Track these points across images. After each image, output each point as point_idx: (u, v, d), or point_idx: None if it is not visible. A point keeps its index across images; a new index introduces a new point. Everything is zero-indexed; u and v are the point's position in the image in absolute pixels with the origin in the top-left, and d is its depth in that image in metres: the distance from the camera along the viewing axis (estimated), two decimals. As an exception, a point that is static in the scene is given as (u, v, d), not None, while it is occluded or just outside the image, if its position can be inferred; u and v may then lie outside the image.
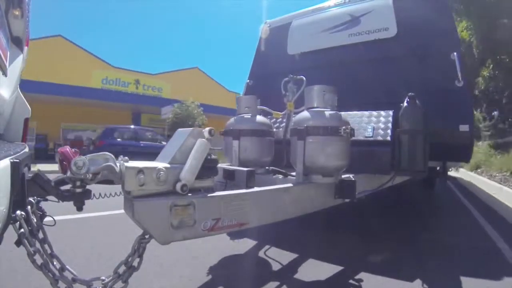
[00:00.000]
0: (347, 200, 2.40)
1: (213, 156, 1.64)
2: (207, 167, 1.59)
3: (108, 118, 21.80)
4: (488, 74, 12.78)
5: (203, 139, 1.58)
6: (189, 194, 1.52)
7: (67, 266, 1.33)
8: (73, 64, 20.49)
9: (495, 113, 14.11)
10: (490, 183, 6.60)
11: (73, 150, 1.30)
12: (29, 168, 1.53)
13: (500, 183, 6.18)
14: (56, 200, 1.35)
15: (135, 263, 1.43)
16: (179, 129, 1.72)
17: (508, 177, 6.59)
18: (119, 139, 12.29)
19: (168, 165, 1.50)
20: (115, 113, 21.83)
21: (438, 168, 4.08)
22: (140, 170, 1.38)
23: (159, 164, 1.49)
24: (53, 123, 17.55)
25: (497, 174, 7.30)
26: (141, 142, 12.67)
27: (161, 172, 1.44)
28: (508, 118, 13.08)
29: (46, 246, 1.28)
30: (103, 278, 1.38)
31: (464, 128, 3.23)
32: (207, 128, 1.62)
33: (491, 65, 12.53)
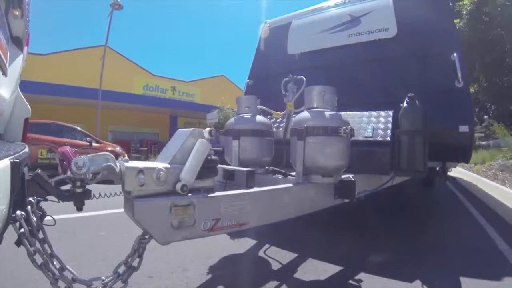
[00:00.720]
0: (346, 200, 2.41)
1: (213, 157, 1.64)
2: (207, 167, 1.59)
3: (149, 121, 23.87)
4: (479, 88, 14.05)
5: (203, 140, 1.58)
6: (189, 194, 1.52)
7: (67, 266, 1.33)
8: (118, 72, 22.03)
9: (486, 117, 14.92)
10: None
11: (73, 150, 1.30)
12: (29, 168, 1.53)
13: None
14: (56, 200, 1.35)
15: (135, 263, 1.43)
16: (179, 129, 1.72)
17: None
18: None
19: (168, 165, 1.50)
20: (155, 116, 23.61)
21: (437, 168, 4.09)
22: (140, 170, 1.39)
23: (159, 164, 1.49)
24: (101, 126, 18.14)
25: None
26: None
27: (161, 172, 1.44)
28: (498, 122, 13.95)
29: (46, 246, 1.28)
30: (103, 278, 1.38)
31: (463, 128, 3.23)
32: (207, 129, 1.63)
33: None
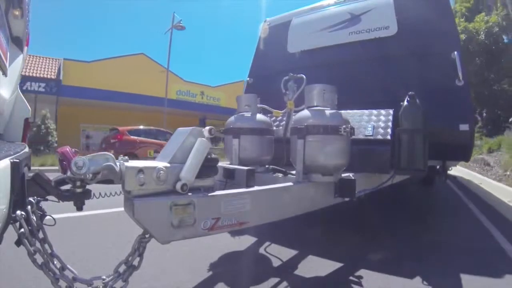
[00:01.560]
0: (347, 199, 2.41)
1: (213, 155, 1.64)
2: (207, 166, 1.59)
3: (181, 124, 24.23)
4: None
5: (203, 139, 1.58)
6: (189, 194, 1.52)
7: (68, 265, 1.33)
8: (153, 78, 23.18)
9: (478, 118, 17.34)
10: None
11: (73, 150, 1.30)
12: (29, 168, 1.53)
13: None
14: (56, 200, 1.35)
15: (135, 262, 1.44)
16: (179, 128, 1.72)
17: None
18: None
19: (168, 165, 1.50)
20: (187, 119, 24.76)
21: (438, 167, 4.09)
22: (140, 170, 1.39)
23: (159, 163, 1.49)
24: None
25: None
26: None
27: (161, 172, 1.44)
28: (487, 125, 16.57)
29: (46, 245, 1.29)
30: (104, 277, 1.38)
31: (464, 127, 3.22)
32: (207, 127, 1.63)
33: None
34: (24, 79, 16.20)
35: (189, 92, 26.37)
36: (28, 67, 18.48)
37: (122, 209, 1.50)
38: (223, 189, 1.95)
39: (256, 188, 1.96)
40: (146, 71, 23.18)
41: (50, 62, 20.49)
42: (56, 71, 19.64)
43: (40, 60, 20.22)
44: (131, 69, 22.20)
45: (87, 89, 18.37)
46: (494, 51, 16.43)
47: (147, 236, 1.44)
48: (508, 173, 6.89)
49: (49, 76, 18.81)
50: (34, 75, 18.19)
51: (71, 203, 1.36)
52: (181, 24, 20.33)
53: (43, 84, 17.45)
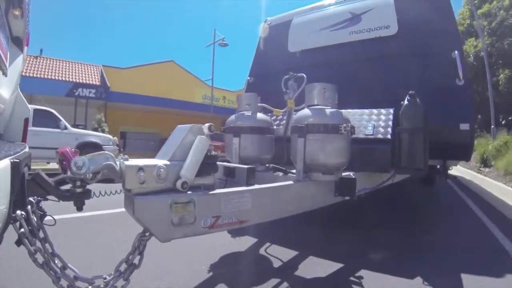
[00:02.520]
0: (347, 198, 2.41)
1: (213, 153, 1.64)
2: (207, 164, 1.59)
3: None
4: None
5: (203, 136, 1.58)
6: (189, 192, 1.53)
7: (69, 264, 1.34)
8: (182, 83, 25.18)
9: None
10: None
11: (73, 150, 1.30)
12: (29, 168, 1.53)
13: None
14: (56, 199, 1.35)
15: (136, 261, 1.43)
16: (179, 126, 1.71)
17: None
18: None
19: (168, 162, 1.50)
20: (211, 121, 25.68)
21: (438, 166, 4.08)
22: (140, 168, 1.39)
23: (159, 161, 1.49)
24: (171, 130, 20.39)
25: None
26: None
27: (161, 170, 1.44)
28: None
29: (47, 245, 1.29)
30: (105, 276, 1.39)
31: (464, 127, 3.22)
32: (207, 124, 1.62)
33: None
34: (75, 85, 18.53)
35: (214, 96, 27.86)
36: (76, 73, 20.69)
37: (121, 209, 1.50)
38: (224, 187, 1.95)
39: (256, 186, 1.96)
40: (175, 77, 25.13)
41: (92, 68, 22.23)
42: (100, 77, 21.29)
43: (84, 67, 22.00)
44: (161, 75, 24.06)
45: (130, 95, 20.03)
46: (481, 71, 17.18)
47: (147, 234, 1.44)
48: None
49: (94, 82, 20.45)
50: (82, 81, 19.85)
51: (71, 203, 1.36)
52: (224, 42, 21.92)
53: (93, 90, 18.98)
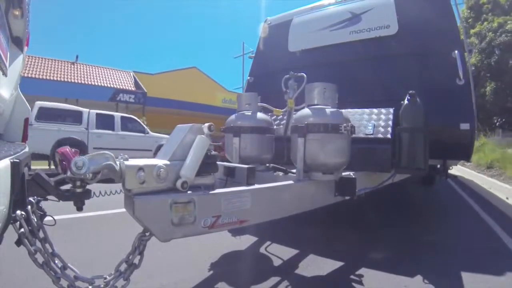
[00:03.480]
0: (347, 198, 2.41)
1: (213, 152, 1.64)
2: (207, 163, 1.59)
3: None
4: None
5: (203, 136, 1.58)
6: (189, 192, 1.52)
7: (69, 264, 1.34)
8: (204, 88, 26.80)
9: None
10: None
11: (72, 150, 1.30)
12: (29, 168, 1.53)
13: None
14: (56, 199, 1.35)
15: (136, 261, 1.43)
16: (178, 125, 1.71)
17: None
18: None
19: (168, 162, 1.50)
20: None
21: (438, 166, 4.08)
22: (140, 168, 1.38)
23: (159, 161, 1.49)
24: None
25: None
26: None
27: (162, 169, 1.44)
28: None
29: (47, 245, 1.29)
30: (106, 276, 1.39)
31: (465, 126, 3.22)
32: (207, 124, 1.62)
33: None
34: (117, 91, 20.38)
35: (231, 100, 28.65)
36: (112, 79, 22.59)
37: (121, 210, 1.50)
38: (224, 187, 1.95)
39: (256, 186, 1.95)
40: (198, 82, 26.88)
41: (124, 74, 24.10)
42: (133, 83, 23.31)
43: (117, 73, 23.84)
44: (186, 80, 25.86)
45: (163, 99, 21.98)
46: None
47: (147, 234, 1.44)
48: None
49: (129, 88, 22.32)
50: (120, 87, 21.64)
51: (71, 203, 1.36)
52: (253, 55, 23.19)
53: (132, 96, 20.91)
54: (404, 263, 2.58)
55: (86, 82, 20.54)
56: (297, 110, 2.72)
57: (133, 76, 24.06)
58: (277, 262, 2.60)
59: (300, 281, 2.28)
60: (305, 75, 2.88)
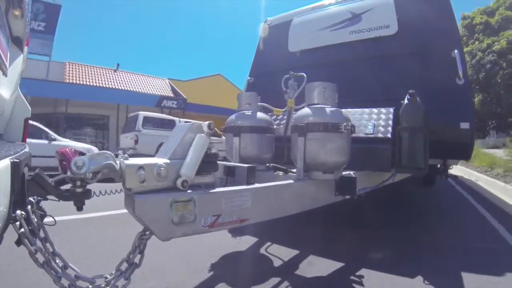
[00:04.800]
0: (347, 197, 2.40)
1: (212, 151, 1.64)
2: (207, 162, 1.59)
3: None
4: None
5: (202, 134, 1.58)
6: (189, 190, 1.52)
7: (70, 264, 1.33)
8: (228, 94, 26.95)
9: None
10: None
11: (72, 150, 1.30)
12: (29, 168, 1.53)
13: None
14: (56, 199, 1.35)
15: (136, 260, 1.43)
16: (179, 124, 1.72)
17: None
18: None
19: (168, 161, 1.50)
20: None
21: (438, 165, 4.08)
22: (141, 167, 1.38)
23: (159, 160, 1.49)
24: (220, 135, 23.37)
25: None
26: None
27: (162, 168, 1.44)
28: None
29: (47, 244, 1.29)
30: (106, 275, 1.39)
31: (464, 125, 3.22)
32: (206, 122, 1.62)
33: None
34: (162, 98, 21.94)
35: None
36: (153, 86, 24.59)
37: (121, 211, 1.50)
38: (224, 186, 1.95)
39: (257, 185, 1.95)
40: (222, 88, 27.68)
41: (161, 81, 26.05)
42: (170, 89, 25.33)
43: (154, 80, 25.75)
44: (212, 86, 27.03)
45: (199, 105, 23.26)
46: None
47: (147, 233, 1.44)
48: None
49: (167, 94, 24.03)
50: (162, 93, 23.49)
51: (71, 204, 1.36)
52: None
53: (175, 102, 22.55)
54: (404, 263, 2.57)
55: (132, 89, 22.64)
56: (297, 110, 2.72)
57: (169, 83, 26.22)
58: (277, 263, 2.60)
59: (300, 282, 2.27)
60: (305, 75, 2.89)
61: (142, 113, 12.23)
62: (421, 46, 3.63)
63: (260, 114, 2.88)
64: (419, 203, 5.67)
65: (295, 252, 2.82)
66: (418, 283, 2.21)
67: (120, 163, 1.37)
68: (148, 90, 23.77)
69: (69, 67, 20.92)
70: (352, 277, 2.31)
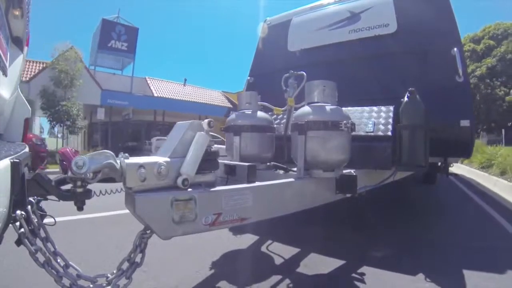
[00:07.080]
0: (348, 195, 2.40)
1: (213, 149, 1.63)
2: (208, 160, 1.59)
3: None
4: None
5: (202, 132, 1.57)
6: (190, 189, 1.52)
7: (71, 263, 1.33)
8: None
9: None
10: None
11: (73, 150, 1.30)
12: (29, 168, 1.53)
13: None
14: (57, 199, 1.34)
15: (137, 259, 1.43)
16: (178, 122, 1.71)
17: None
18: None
19: (168, 159, 1.49)
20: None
21: (439, 163, 4.07)
22: (141, 166, 1.38)
23: (160, 158, 1.49)
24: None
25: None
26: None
27: (162, 167, 1.44)
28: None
29: (48, 244, 1.29)
30: (108, 275, 1.38)
31: (464, 123, 3.21)
32: (206, 120, 1.61)
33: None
34: (229, 109, 22.94)
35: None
36: (215, 98, 27.03)
37: (121, 211, 1.50)
38: (225, 185, 1.94)
39: (257, 183, 1.95)
40: None
41: (217, 93, 28.33)
42: (226, 100, 27.34)
43: (213, 93, 28.02)
44: None
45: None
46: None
47: (148, 232, 1.44)
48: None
49: (226, 105, 25.73)
50: (227, 105, 25.11)
51: (72, 204, 1.35)
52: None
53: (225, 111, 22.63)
54: (406, 261, 2.57)
55: (207, 102, 25.48)
56: (297, 109, 2.71)
57: (223, 94, 28.56)
58: (278, 261, 2.60)
59: (301, 280, 2.27)
60: (304, 74, 2.88)
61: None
62: (421, 44, 3.63)
63: (260, 113, 2.88)
64: (419, 201, 5.67)
65: (296, 250, 2.82)
66: (419, 280, 2.21)
67: (120, 162, 1.36)
68: (217, 101, 26.51)
69: (150, 82, 23.85)
70: (353, 275, 2.31)
